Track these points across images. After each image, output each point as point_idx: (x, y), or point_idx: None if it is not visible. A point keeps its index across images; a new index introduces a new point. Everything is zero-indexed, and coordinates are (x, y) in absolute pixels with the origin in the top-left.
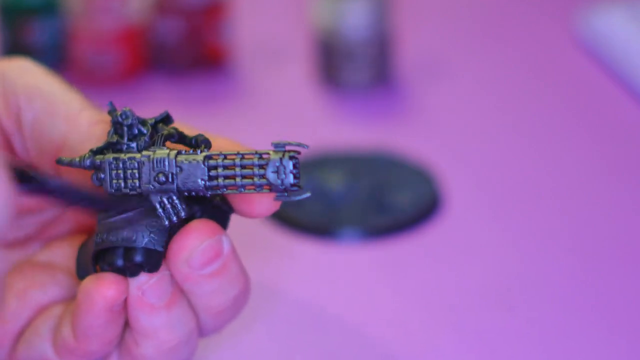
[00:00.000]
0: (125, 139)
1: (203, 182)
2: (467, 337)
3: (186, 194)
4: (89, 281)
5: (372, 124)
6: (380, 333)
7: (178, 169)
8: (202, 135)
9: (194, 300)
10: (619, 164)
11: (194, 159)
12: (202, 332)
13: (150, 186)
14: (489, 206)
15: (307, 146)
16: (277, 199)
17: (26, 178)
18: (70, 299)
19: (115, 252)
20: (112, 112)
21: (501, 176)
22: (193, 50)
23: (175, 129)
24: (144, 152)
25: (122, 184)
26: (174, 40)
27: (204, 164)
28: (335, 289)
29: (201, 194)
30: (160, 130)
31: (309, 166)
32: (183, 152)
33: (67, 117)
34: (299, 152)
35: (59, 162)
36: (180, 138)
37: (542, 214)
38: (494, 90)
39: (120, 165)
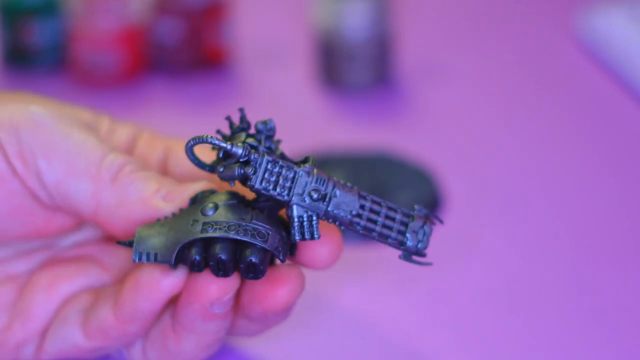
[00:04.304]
0: (262, 149)
1: (350, 215)
2: (468, 337)
3: (329, 219)
4: (154, 269)
5: (372, 124)
6: (380, 333)
7: (335, 193)
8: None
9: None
10: (619, 163)
11: (350, 191)
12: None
13: (302, 199)
14: (488, 206)
15: (443, 222)
16: (402, 257)
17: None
18: (99, 287)
19: (222, 244)
20: (244, 118)
21: (501, 176)
22: (193, 50)
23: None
24: (302, 166)
25: (270, 187)
26: (174, 40)
27: (359, 199)
28: (335, 289)
29: (336, 223)
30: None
31: None
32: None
33: (90, 175)
34: (435, 223)
35: (203, 140)
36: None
37: (542, 213)
38: (494, 91)
39: (276, 169)
